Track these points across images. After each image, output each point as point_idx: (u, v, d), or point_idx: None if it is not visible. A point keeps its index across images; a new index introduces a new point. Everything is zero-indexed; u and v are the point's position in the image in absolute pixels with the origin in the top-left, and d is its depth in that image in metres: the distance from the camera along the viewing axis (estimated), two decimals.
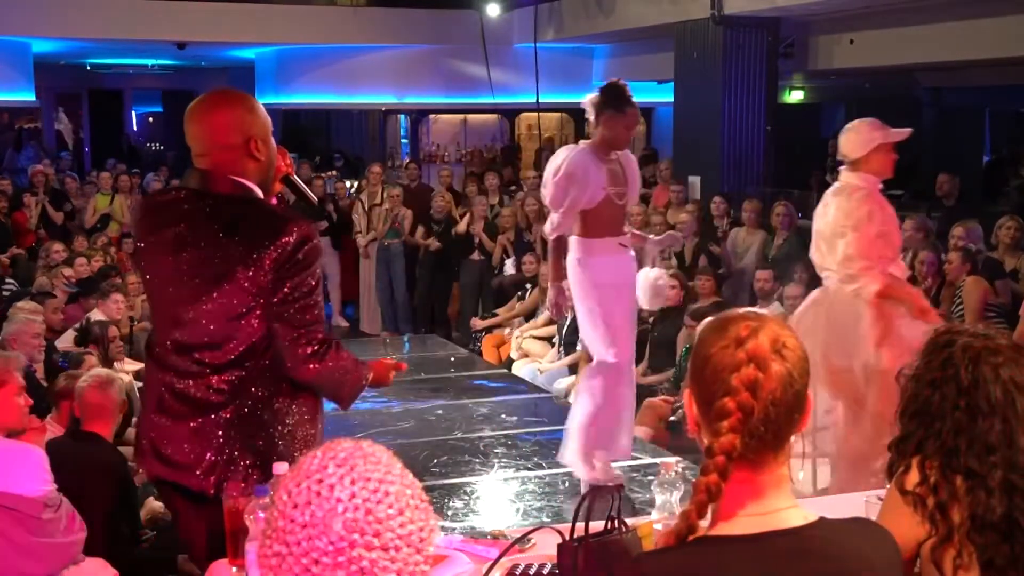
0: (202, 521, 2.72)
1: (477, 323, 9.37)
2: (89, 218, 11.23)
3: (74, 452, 4.04)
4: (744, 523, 1.60)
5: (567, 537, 2.23)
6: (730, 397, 1.58)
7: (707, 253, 8.70)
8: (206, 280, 2.68)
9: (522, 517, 4.66)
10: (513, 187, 12.28)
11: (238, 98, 2.87)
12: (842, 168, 4.61)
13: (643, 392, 6.37)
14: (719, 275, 8.12)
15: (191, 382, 2.73)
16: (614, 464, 4.92)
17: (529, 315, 8.81)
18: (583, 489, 4.68)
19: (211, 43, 14.61)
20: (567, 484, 5.06)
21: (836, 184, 4.62)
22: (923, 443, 2.16)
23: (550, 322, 8.29)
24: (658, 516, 2.57)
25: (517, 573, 2.51)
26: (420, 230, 10.51)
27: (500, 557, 2.32)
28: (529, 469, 5.32)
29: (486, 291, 10.03)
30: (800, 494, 4.06)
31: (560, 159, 4.72)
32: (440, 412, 6.41)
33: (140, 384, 6.54)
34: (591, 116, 4.75)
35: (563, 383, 7.51)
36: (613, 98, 4.68)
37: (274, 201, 2.98)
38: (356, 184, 12.56)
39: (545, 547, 2.52)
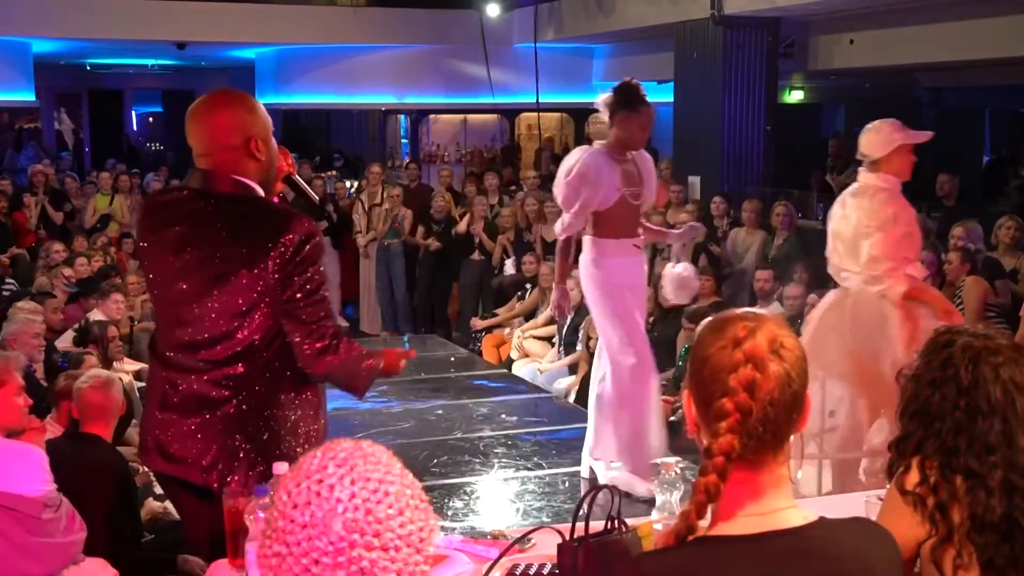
0: (207, 516, 2.73)
1: (477, 323, 9.37)
2: (89, 218, 11.22)
3: (74, 453, 4.04)
4: (744, 523, 1.61)
5: (567, 537, 2.23)
6: (728, 398, 1.58)
7: (707, 253, 8.70)
8: (209, 279, 2.70)
9: (522, 517, 4.66)
10: (513, 187, 12.28)
11: (239, 98, 2.88)
12: (861, 169, 4.58)
13: None
14: (719, 275, 8.12)
15: (194, 378, 2.75)
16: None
17: (529, 315, 8.81)
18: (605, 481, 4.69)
19: (211, 43, 14.62)
20: (567, 484, 5.06)
21: (855, 185, 4.59)
22: (923, 443, 2.16)
23: (550, 322, 8.29)
24: (658, 516, 2.57)
25: (517, 573, 2.51)
26: (420, 230, 10.51)
27: (500, 557, 2.32)
28: (529, 469, 5.32)
29: (486, 291, 10.03)
30: (804, 496, 4.07)
31: (573, 159, 4.70)
32: (440, 412, 6.41)
33: (141, 384, 6.60)
34: (605, 116, 4.73)
35: (563, 383, 7.52)
36: (627, 98, 4.65)
37: (276, 200, 3.00)
38: (356, 184, 12.56)
39: (545, 547, 2.52)
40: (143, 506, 4.69)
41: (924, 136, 4.54)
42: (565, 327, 7.80)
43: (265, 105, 2.96)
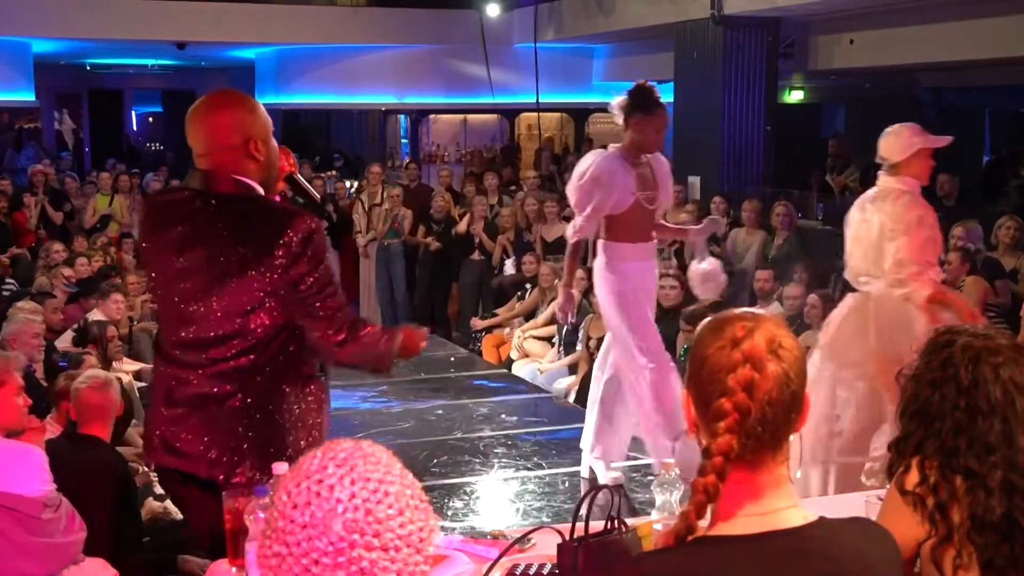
0: (211, 511, 2.74)
1: (477, 323, 9.37)
2: (89, 218, 11.22)
3: (73, 453, 4.03)
4: (743, 523, 1.61)
5: (567, 537, 2.23)
6: (727, 398, 1.58)
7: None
8: (213, 278, 2.72)
9: (522, 517, 4.66)
10: (513, 187, 12.28)
11: (238, 99, 2.90)
12: (881, 173, 4.56)
13: None
14: None
15: (199, 375, 2.77)
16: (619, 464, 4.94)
17: (529, 315, 8.81)
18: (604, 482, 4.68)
19: (211, 43, 14.62)
20: (567, 484, 5.07)
21: (875, 189, 4.55)
22: (923, 443, 2.16)
23: (550, 322, 8.29)
24: (658, 516, 2.57)
25: (517, 573, 2.51)
26: (421, 229, 10.52)
27: (500, 557, 2.32)
28: (529, 469, 5.32)
29: (486, 291, 10.03)
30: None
31: (588, 162, 4.68)
32: (440, 412, 6.41)
33: (141, 384, 6.60)
34: (619, 120, 4.71)
35: (563, 383, 7.51)
36: (642, 100, 4.63)
37: (277, 199, 3.01)
38: (356, 184, 12.57)
39: (545, 547, 2.52)
40: (143, 506, 4.69)
41: (943, 141, 4.53)
42: (565, 327, 7.80)
43: (265, 105, 2.97)
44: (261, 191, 2.84)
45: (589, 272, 8.43)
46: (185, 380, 2.79)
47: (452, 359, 8.09)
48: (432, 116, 16.57)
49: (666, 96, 4.86)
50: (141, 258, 3.23)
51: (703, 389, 1.62)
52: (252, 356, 2.74)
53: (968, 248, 6.99)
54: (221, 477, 2.72)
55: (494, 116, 16.54)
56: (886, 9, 9.87)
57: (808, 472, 4.50)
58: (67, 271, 8.37)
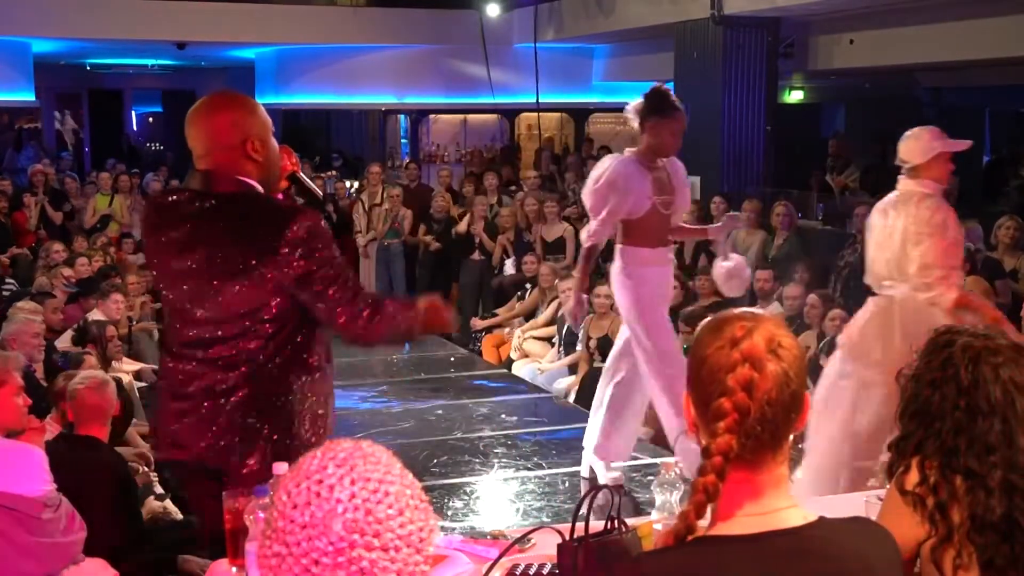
0: (218, 506, 2.75)
1: (477, 323, 9.36)
2: (89, 218, 11.22)
3: (72, 454, 4.03)
4: (743, 523, 1.60)
5: (567, 537, 2.23)
6: (726, 397, 1.58)
7: (707, 253, 8.69)
8: (216, 277, 2.75)
9: (522, 517, 4.66)
10: (513, 187, 12.28)
11: (237, 100, 2.93)
12: (901, 177, 4.53)
13: None
14: None
15: (206, 369, 2.80)
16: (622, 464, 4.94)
17: (529, 315, 8.81)
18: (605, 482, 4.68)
19: (211, 43, 14.62)
20: (567, 484, 5.06)
21: (895, 193, 4.53)
22: (923, 443, 2.16)
23: (550, 322, 8.29)
24: (658, 516, 2.57)
25: (517, 573, 2.51)
26: (421, 229, 10.52)
27: (500, 557, 2.32)
28: (529, 469, 5.32)
29: (486, 291, 10.02)
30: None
31: (604, 166, 4.66)
32: (440, 412, 6.41)
33: (141, 384, 6.60)
34: (635, 124, 4.69)
35: (563, 383, 7.51)
36: (657, 103, 4.61)
37: (280, 198, 3.03)
38: (356, 184, 12.57)
39: (545, 547, 2.52)
40: (143, 506, 4.68)
41: (963, 144, 4.52)
42: (565, 327, 7.80)
43: (265, 105, 2.99)
44: (261, 191, 2.86)
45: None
46: (192, 375, 2.82)
47: (452, 359, 8.09)
48: (432, 116, 16.57)
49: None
50: (145, 259, 3.28)
51: (703, 389, 1.62)
52: (259, 350, 2.77)
53: (968, 248, 6.99)
54: (230, 468, 2.75)
55: (494, 116, 16.54)
56: (886, 9, 9.87)
57: (823, 476, 4.47)
58: (67, 271, 8.38)
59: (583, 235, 4.83)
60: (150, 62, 19.07)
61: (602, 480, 4.76)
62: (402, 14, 14.33)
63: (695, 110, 11.04)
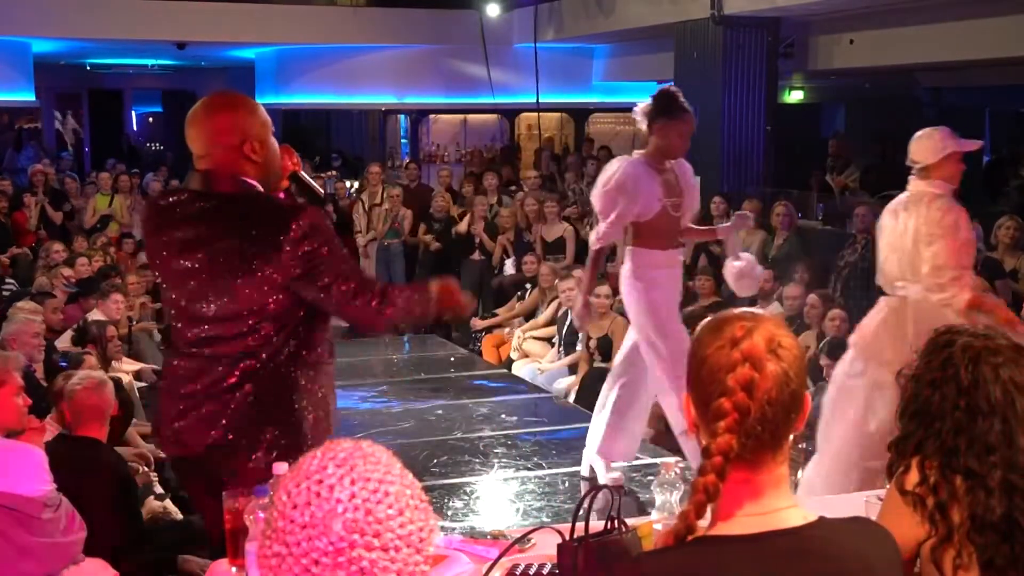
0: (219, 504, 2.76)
1: (477, 323, 9.36)
2: (89, 218, 11.22)
3: (71, 454, 4.03)
4: (743, 523, 1.60)
5: (567, 537, 2.24)
6: (726, 397, 1.58)
7: (707, 253, 8.69)
8: (219, 277, 2.77)
9: (522, 517, 4.65)
10: (513, 187, 12.29)
11: (236, 101, 2.94)
12: (912, 177, 4.51)
13: None
14: (718, 275, 8.12)
15: (210, 367, 2.81)
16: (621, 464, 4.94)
17: (529, 315, 8.81)
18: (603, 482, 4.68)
19: (211, 43, 14.62)
20: (567, 484, 5.06)
21: (906, 194, 4.51)
22: (923, 443, 2.16)
23: (550, 322, 8.29)
24: (658, 516, 2.57)
25: (517, 573, 2.51)
26: (421, 229, 10.52)
27: (500, 557, 2.32)
28: (529, 469, 5.32)
29: (486, 291, 10.02)
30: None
31: (612, 169, 4.65)
32: (440, 412, 6.40)
33: (141, 384, 6.60)
34: (643, 126, 4.68)
35: (563, 383, 7.51)
36: (665, 104, 4.59)
37: (281, 196, 3.03)
38: (356, 184, 12.56)
39: (545, 547, 2.52)
40: (143, 506, 4.68)
41: (975, 144, 4.51)
42: (565, 327, 7.80)
43: (265, 105, 2.99)
44: (261, 190, 2.87)
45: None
46: (197, 372, 2.83)
47: (452, 359, 8.09)
48: (432, 116, 16.57)
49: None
50: (148, 259, 3.29)
51: (703, 389, 1.62)
52: (262, 347, 2.78)
53: None
54: (236, 464, 2.76)
55: (494, 116, 16.54)
56: (886, 9, 9.87)
57: (835, 475, 4.46)
58: (67, 271, 8.38)
59: (591, 237, 4.81)
60: (150, 62, 19.07)
61: (602, 480, 4.76)
62: (402, 14, 14.33)
63: (695, 110, 11.07)
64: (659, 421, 6.47)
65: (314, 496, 1.33)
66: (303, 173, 3.20)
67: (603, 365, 7.29)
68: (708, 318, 1.70)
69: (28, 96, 14.69)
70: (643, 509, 4.40)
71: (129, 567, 3.75)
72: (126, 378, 6.27)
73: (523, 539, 2.52)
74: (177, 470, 3.17)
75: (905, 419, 2.22)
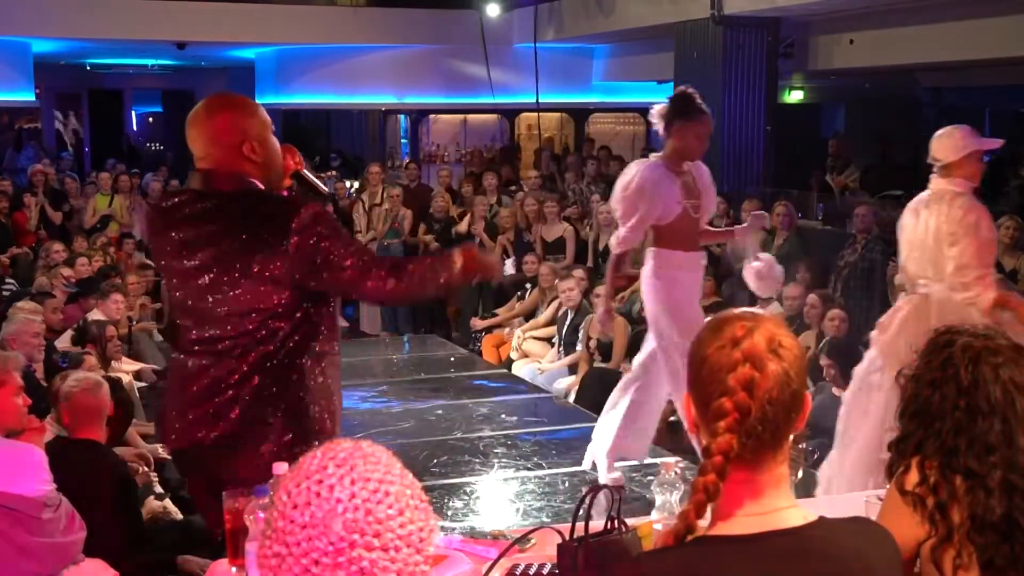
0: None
1: (477, 323, 9.37)
2: (89, 218, 11.22)
3: (70, 455, 4.03)
4: (743, 523, 1.61)
5: (567, 537, 2.24)
6: (727, 397, 1.58)
7: (707, 253, 8.68)
8: (221, 275, 2.78)
9: (522, 517, 4.66)
10: (513, 187, 12.29)
11: (236, 102, 2.95)
12: (933, 176, 4.50)
13: None
14: (718, 275, 8.12)
15: (216, 363, 2.82)
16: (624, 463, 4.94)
17: (529, 315, 8.81)
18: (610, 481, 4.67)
19: (211, 43, 14.61)
20: (567, 484, 5.06)
21: (928, 192, 4.50)
22: (923, 443, 2.16)
23: (550, 322, 8.29)
24: (658, 516, 2.57)
25: (517, 573, 2.51)
26: (421, 229, 10.51)
27: (500, 557, 2.32)
28: (529, 469, 5.32)
29: (486, 291, 10.02)
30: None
31: (631, 173, 4.64)
32: (440, 412, 6.41)
33: (141, 384, 6.60)
34: (660, 128, 4.67)
35: (563, 383, 7.51)
36: (682, 106, 4.58)
37: (284, 195, 3.04)
38: (356, 184, 12.56)
39: (545, 547, 2.52)
40: (143, 506, 4.68)
41: (996, 143, 4.51)
42: (565, 327, 7.80)
43: (265, 105, 3.01)
44: (261, 187, 2.88)
45: (588, 272, 8.46)
46: (203, 369, 2.84)
47: (452, 359, 8.09)
48: (432, 116, 16.57)
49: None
50: (152, 260, 3.31)
51: (703, 388, 1.62)
52: (268, 341, 2.79)
53: None
54: (240, 459, 2.77)
55: (494, 116, 16.53)
56: (886, 9, 9.87)
57: (858, 474, 4.45)
58: (67, 271, 8.38)
59: (612, 241, 4.80)
60: (150, 62, 19.06)
61: (602, 480, 4.76)
62: (402, 14, 14.33)
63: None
64: (659, 420, 6.48)
65: (314, 496, 1.33)
66: (305, 172, 3.21)
67: (603, 365, 7.30)
68: (708, 318, 1.70)
69: (28, 96, 14.69)
70: (643, 509, 4.39)
71: (129, 567, 3.75)
72: (126, 378, 6.27)
73: (523, 539, 2.53)
74: (179, 464, 3.17)
75: (905, 419, 2.22)
